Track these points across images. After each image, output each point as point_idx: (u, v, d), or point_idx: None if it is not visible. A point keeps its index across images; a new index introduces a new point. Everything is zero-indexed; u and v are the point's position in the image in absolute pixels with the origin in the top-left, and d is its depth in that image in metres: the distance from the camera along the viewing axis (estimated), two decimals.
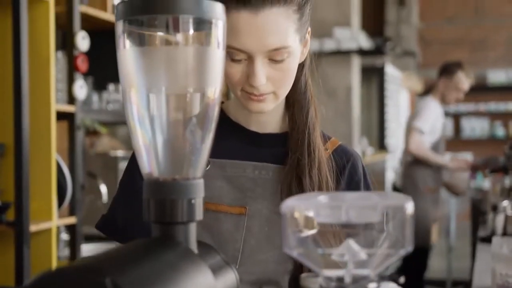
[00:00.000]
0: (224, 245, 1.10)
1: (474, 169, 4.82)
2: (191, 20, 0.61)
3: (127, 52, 0.63)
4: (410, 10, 8.88)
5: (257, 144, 1.17)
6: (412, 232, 0.60)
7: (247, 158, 1.15)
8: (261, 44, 1.02)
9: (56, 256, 2.55)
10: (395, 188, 5.67)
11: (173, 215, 0.61)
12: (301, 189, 1.11)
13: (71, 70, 2.66)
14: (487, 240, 2.40)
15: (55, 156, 2.51)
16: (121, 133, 3.75)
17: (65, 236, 2.86)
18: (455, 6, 9.10)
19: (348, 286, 0.60)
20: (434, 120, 4.18)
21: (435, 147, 4.21)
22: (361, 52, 5.50)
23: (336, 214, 0.59)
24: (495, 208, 2.95)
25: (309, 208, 0.61)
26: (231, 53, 1.04)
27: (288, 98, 1.16)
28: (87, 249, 2.79)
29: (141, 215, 0.63)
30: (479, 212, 3.95)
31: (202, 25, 0.62)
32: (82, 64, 2.68)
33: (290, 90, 1.12)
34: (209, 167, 1.12)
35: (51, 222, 2.49)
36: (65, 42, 2.75)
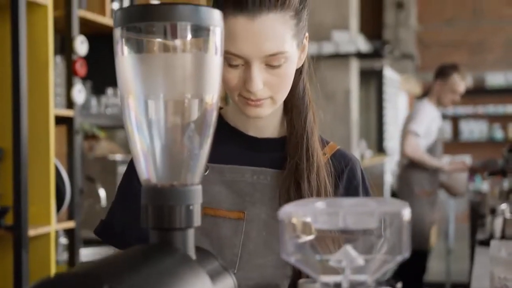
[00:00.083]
0: (222, 250, 1.10)
1: (473, 171, 4.83)
2: (189, 27, 0.62)
3: (125, 59, 0.63)
4: (408, 12, 8.89)
5: (255, 149, 1.17)
6: (409, 238, 0.60)
7: (245, 163, 1.15)
8: (258, 49, 1.03)
9: (54, 260, 2.55)
10: (394, 191, 5.67)
11: (171, 221, 0.61)
12: (299, 194, 1.11)
13: (70, 74, 2.66)
14: (486, 243, 2.40)
15: (53, 161, 2.51)
16: (120, 137, 3.75)
17: (63, 240, 2.86)
18: (453, 9, 9.12)
19: None
20: (429, 122, 4.18)
21: (430, 150, 4.21)
22: (360, 55, 5.51)
23: (334, 220, 0.59)
24: (493, 211, 2.96)
25: (307, 214, 0.61)
26: (228, 59, 1.04)
27: (286, 103, 1.17)
28: (86, 253, 2.79)
29: (139, 221, 0.63)
30: (477, 214, 3.96)
31: (200, 32, 0.63)
32: (81, 68, 2.68)
33: (288, 95, 1.12)
34: (207, 172, 1.13)
35: (49, 226, 2.49)
36: (64, 46, 2.75)
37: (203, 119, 0.64)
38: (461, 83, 4.24)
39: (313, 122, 1.17)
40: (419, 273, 4.29)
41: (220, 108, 1.21)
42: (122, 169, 2.95)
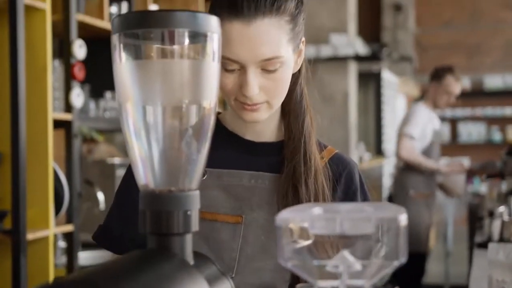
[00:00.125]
0: (220, 254, 1.11)
1: (471, 174, 4.83)
2: (186, 34, 0.62)
3: (123, 65, 0.63)
4: (406, 15, 8.91)
5: (253, 153, 1.17)
6: (406, 243, 0.60)
7: (243, 167, 1.15)
8: (253, 54, 1.03)
9: (53, 264, 2.55)
10: (391, 194, 5.68)
11: (169, 227, 0.62)
12: (297, 198, 1.11)
13: (68, 78, 2.67)
14: (484, 245, 2.40)
15: (52, 164, 2.52)
16: (118, 140, 3.75)
17: (62, 244, 2.86)
18: (451, 11, 9.14)
19: None
20: (424, 125, 4.19)
21: (426, 152, 4.21)
22: (358, 58, 5.52)
23: (331, 225, 0.60)
24: (491, 214, 2.97)
25: (304, 220, 0.61)
26: (224, 63, 1.04)
27: (283, 107, 1.17)
28: (84, 257, 2.79)
29: (137, 226, 0.63)
30: (476, 217, 3.96)
31: (198, 38, 0.63)
32: (79, 72, 2.68)
33: (286, 99, 1.13)
34: (205, 176, 1.13)
35: (48, 230, 2.49)
36: (62, 50, 2.76)
37: (201, 124, 0.64)
38: (456, 84, 4.25)
39: (310, 126, 1.17)
40: (418, 276, 4.29)
41: (218, 113, 1.21)
42: (120, 172, 2.96)
